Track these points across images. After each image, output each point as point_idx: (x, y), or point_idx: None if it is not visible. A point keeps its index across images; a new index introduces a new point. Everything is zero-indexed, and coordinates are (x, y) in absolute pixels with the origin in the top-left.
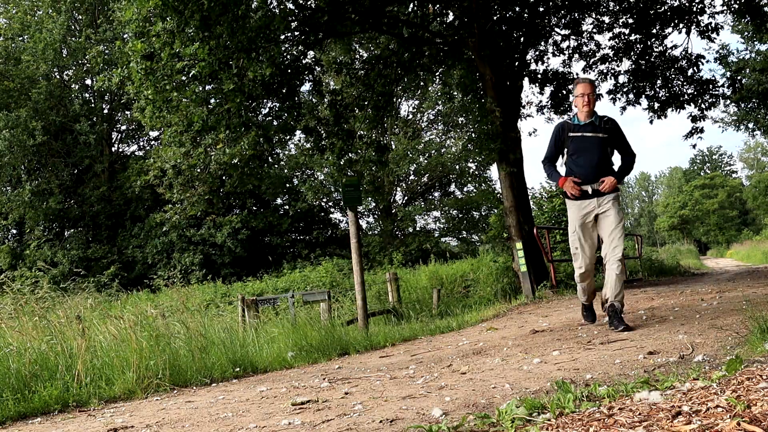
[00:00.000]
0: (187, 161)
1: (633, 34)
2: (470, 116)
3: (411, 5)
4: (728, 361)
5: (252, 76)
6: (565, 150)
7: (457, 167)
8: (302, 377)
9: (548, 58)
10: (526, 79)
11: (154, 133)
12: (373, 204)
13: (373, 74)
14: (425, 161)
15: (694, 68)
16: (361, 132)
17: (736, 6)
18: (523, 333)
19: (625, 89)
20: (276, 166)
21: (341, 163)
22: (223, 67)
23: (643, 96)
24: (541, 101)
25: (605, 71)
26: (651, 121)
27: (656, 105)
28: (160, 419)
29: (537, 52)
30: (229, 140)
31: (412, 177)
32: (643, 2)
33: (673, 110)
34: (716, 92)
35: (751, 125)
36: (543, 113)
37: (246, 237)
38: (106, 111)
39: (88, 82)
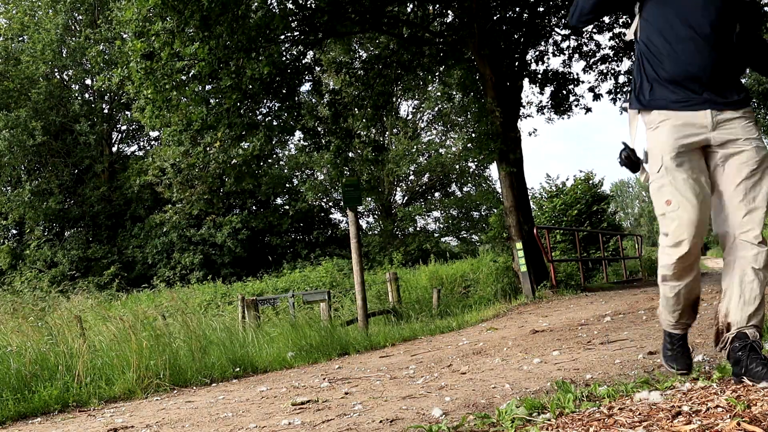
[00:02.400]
0: (186, 160)
1: None
2: (470, 116)
3: (411, 5)
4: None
5: (250, 74)
6: (638, 13)
7: (457, 167)
8: (302, 377)
9: (548, 59)
10: (526, 79)
11: (154, 133)
12: (373, 204)
13: (373, 74)
14: (425, 161)
15: None
16: (360, 131)
17: None
18: (523, 333)
19: (625, 89)
20: (276, 166)
21: (338, 161)
22: (222, 66)
23: None
24: (541, 101)
25: (605, 71)
26: None
27: None
28: (160, 419)
29: (537, 52)
30: (229, 139)
31: (411, 177)
32: None
33: None
34: None
35: None
36: (543, 113)
37: (246, 237)
38: (106, 111)
39: (88, 82)
